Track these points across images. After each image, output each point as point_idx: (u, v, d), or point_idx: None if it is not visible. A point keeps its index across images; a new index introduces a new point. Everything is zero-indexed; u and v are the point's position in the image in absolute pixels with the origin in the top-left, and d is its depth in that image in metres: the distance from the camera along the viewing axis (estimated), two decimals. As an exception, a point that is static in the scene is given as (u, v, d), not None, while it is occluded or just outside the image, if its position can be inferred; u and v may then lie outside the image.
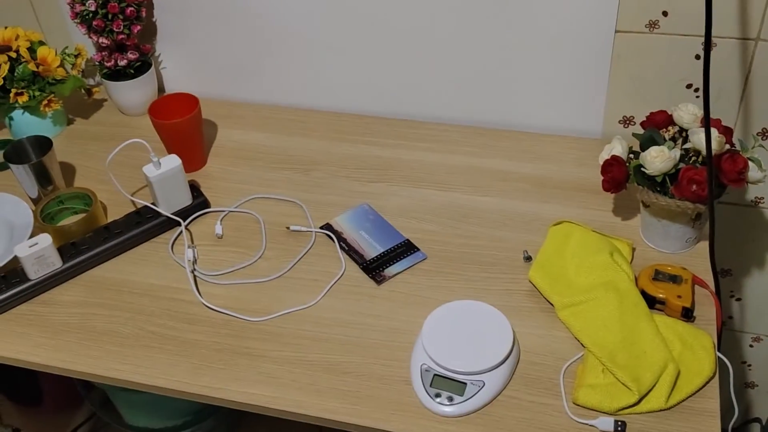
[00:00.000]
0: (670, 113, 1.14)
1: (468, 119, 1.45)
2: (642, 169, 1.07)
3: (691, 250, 1.15)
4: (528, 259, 1.17)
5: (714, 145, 1.05)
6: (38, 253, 1.14)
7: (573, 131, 1.41)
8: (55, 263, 1.17)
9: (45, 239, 1.15)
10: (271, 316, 1.11)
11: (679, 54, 1.25)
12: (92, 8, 1.35)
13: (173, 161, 1.23)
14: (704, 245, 1.16)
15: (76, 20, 1.39)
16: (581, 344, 1.03)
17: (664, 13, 1.21)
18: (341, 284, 1.16)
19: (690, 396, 0.96)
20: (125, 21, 1.39)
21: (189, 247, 1.21)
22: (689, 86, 1.29)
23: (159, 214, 1.25)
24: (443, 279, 1.15)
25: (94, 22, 1.37)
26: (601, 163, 1.13)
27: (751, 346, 1.63)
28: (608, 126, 1.38)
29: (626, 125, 1.37)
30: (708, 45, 0.96)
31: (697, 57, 1.25)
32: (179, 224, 1.27)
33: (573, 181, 1.30)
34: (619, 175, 1.09)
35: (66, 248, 1.20)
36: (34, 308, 1.16)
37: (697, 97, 1.29)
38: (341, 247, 1.21)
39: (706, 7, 0.94)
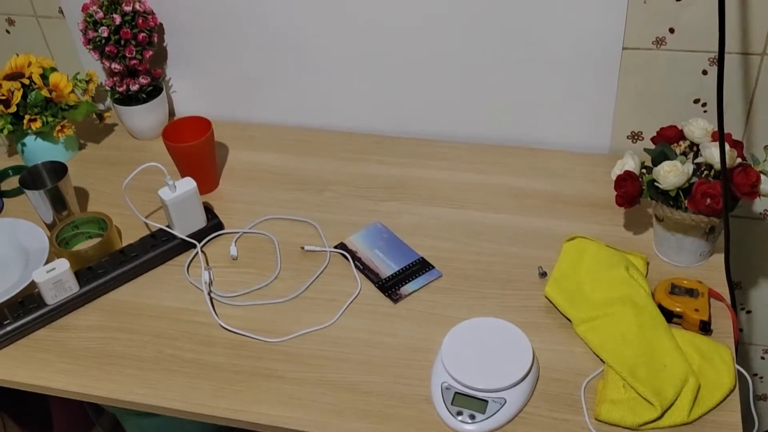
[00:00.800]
0: (680, 128, 1.16)
1: (476, 136, 1.46)
2: (655, 183, 1.09)
3: (704, 263, 1.16)
4: (543, 275, 1.17)
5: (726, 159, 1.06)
6: (56, 277, 1.14)
7: (581, 147, 1.42)
8: (73, 288, 1.17)
9: (62, 264, 1.15)
10: (289, 337, 1.12)
11: (686, 69, 1.27)
12: (105, 35, 1.36)
13: (188, 184, 1.24)
14: (717, 258, 1.16)
15: (88, 46, 1.40)
16: (601, 359, 1.04)
17: (671, 30, 1.23)
18: (358, 303, 1.16)
19: (712, 409, 0.96)
20: (137, 47, 1.40)
21: (205, 269, 1.22)
22: (696, 101, 1.30)
23: (174, 237, 1.26)
24: (459, 296, 1.16)
25: (107, 48, 1.38)
26: (614, 178, 1.14)
27: (762, 358, 1.64)
28: (616, 141, 1.39)
29: (634, 140, 1.38)
30: (721, 60, 0.98)
31: (704, 72, 1.26)
32: (194, 246, 1.27)
33: (583, 196, 1.32)
34: (632, 190, 1.10)
35: (83, 273, 1.21)
36: (53, 333, 1.16)
37: (705, 111, 1.31)
38: (356, 266, 1.22)
39: (719, 22, 0.95)
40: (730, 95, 1.27)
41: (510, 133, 1.44)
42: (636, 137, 1.38)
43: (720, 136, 0.99)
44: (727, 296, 1.11)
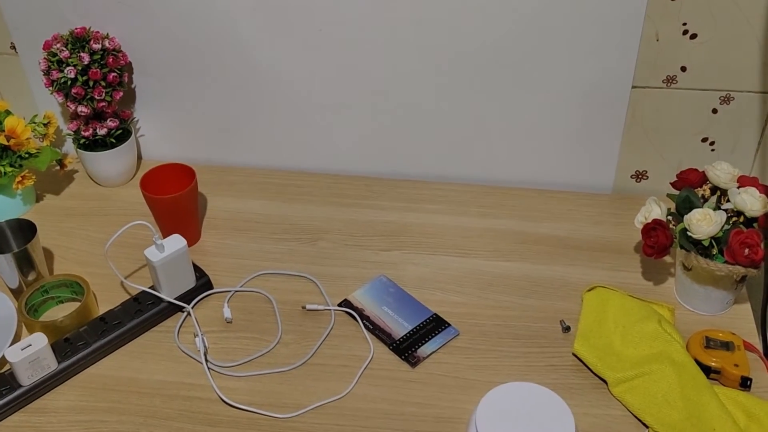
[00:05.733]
0: (700, 171, 1.12)
1: (474, 177, 1.40)
2: (688, 233, 1.04)
3: (729, 310, 1.12)
4: (566, 329, 1.11)
5: (758, 206, 1.03)
6: (33, 356, 1.01)
7: (583, 187, 1.37)
8: (51, 365, 1.04)
9: (39, 339, 1.02)
10: (301, 411, 1.01)
11: (696, 108, 1.23)
12: (71, 75, 1.23)
13: (177, 242, 1.12)
14: (740, 305, 1.13)
15: (51, 88, 1.26)
16: (643, 423, 0.97)
17: (683, 69, 1.19)
18: (372, 369, 1.07)
19: (769, 475, 0.92)
20: (107, 88, 1.27)
21: (198, 335, 1.10)
22: (705, 139, 1.27)
23: (160, 300, 1.14)
24: (482, 357, 1.08)
25: (74, 90, 1.25)
26: (639, 227, 1.09)
27: None
28: (619, 181, 1.35)
29: (638, 180, 1.34)
30: None
31: (714, 111, 1.23)
32: (182, 309, 1.15)
33: (593, 240, 1.26)
34: (664, 240, 1.05)
35: (59, 345, 1.07)
36: (29, 418, 1.02)
37: (713, 150, 1.28)
38: (366, 327, 1.13)
39: None
40: (741, 133, 1.25)
41: (510, 173, 1.38)
42: (640, 176, 1.34)
43: None
44: (758, 345, 1.07)
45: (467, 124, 1.33)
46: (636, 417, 0.98)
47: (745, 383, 1.00)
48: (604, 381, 1.03)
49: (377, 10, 1.22)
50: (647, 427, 0.97)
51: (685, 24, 1.15)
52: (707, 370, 1.02)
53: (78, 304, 1.15)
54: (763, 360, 1.05)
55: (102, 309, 1.17)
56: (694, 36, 1.16)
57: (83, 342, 1.08)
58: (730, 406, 0.97)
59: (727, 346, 1.03)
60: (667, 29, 1.16)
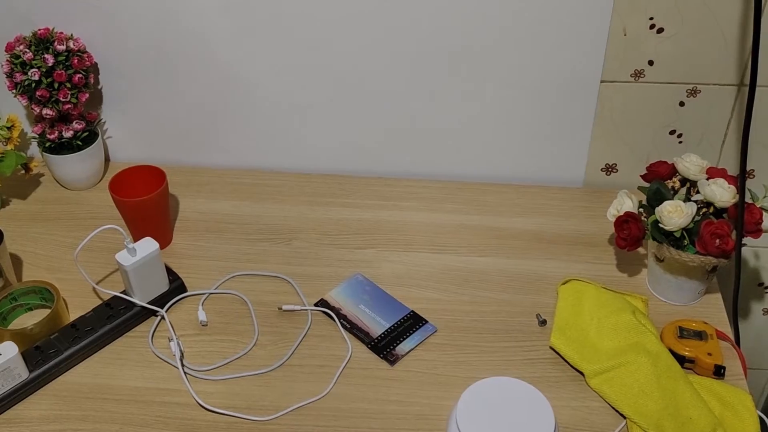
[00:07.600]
0: (670, 163, 1.13)
1: (447, 173, 1.40)
2: (659, 225, 1.05)
3: (700, 300, 1.14)
4: (543, 323, 1.12)
5: (727, 196, 1.04)
6: (3, 365, 0.98)
7: (554, 181, 1.38)
8: (21, 374, 1.01)
9: (10, 348, 0.99)
10: (280, 414, 1.01)
11: (664, 101, 1.25)
12: (35, 77, 1.21)
13: (149, 246, 1.10)
14: (712, 295, 1.14)
15: (15, 91, 1.23)
16: (621, 414, 0.99)
17: (650, 63, 1.21)
18: (351, 368, 1.07)
19: (744, 461, 0.93)
20: (72, 89, 1.25)
21: (173, 339, 1.09)
22: (672, 132, 1.29)
23: (133, 305, 1.12)
24: (459, 353, 1.08)
25: (38, 93, 1.22)
26: (612, 219, 1.10)
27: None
28: (590, 174, 1.36)
29: (608, 173, 1.36)
30: (752, 93, 0.95)
31: (681, 104, 1.25)
32: (156, 313, 1.14)
33: (566, 234, 1.27)
34: (636, 232, 1.06)
35: (30, 354, 1.05)
36: (0, 429, 1.00)
37: (680, 142, 1.29)
38: (343, 326, 1.12)
39: (752, 55, 0.92)
40: (707, 125, 1.27)
41: (482, 169, 1.38)
42: (610, 169, 1.35)
43: (741, 177, 0.97)
44: (730, 334, 1.08)
45: (438, 121, 1.33)
46: (614, 408, 1.00)
47: (718, 371, 1.02)
48: (582, 373, 1.04)
49: (346, 8, 1.21)
50: (625, 417, 0.98)
51: (651, 18, 1.16)
52: (681, 360, 1.03)
53: (48, 311, 1.13)
54: (736, 348, 1.06)
55: (73, 315, 1.14)
56: (660, 30, 1.17)
57: (55, 350, 1.06)
58: (704, 394, 0.99)
59: (700, 335, 1.05)
60: (634, 24, 1.17)
